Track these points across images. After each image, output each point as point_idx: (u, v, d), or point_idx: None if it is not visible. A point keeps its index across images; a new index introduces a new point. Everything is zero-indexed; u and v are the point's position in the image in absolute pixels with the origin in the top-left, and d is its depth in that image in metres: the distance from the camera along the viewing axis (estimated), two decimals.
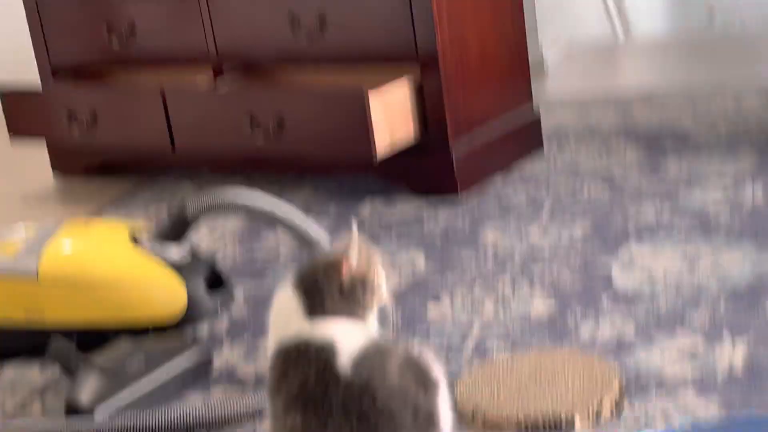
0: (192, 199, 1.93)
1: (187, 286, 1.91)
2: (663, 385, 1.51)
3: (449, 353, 1.70)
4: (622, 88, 3.14)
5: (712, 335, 1.63)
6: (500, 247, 2.09)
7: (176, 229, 1.95)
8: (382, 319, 1.48)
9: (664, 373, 1.55)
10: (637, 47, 3.76)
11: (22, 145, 3.18)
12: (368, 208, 2.41)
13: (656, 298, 1.78)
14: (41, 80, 2.97)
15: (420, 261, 2.08)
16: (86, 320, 1.88)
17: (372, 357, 1.34)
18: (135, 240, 1.96)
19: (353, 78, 2.54)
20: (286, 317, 1.39)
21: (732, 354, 1.57)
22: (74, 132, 2.75)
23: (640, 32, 3.95)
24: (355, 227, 1.46)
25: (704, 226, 2.04)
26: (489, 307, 1.84)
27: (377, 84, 2.39)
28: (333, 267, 1.38)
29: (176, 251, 1.96)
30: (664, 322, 1.69)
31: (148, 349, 1.73)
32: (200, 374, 1.75)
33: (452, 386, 1.53)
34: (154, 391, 1.69)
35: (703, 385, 1.50)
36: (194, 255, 1.98)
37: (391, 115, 2.33)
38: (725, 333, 1.63)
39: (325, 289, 1.38)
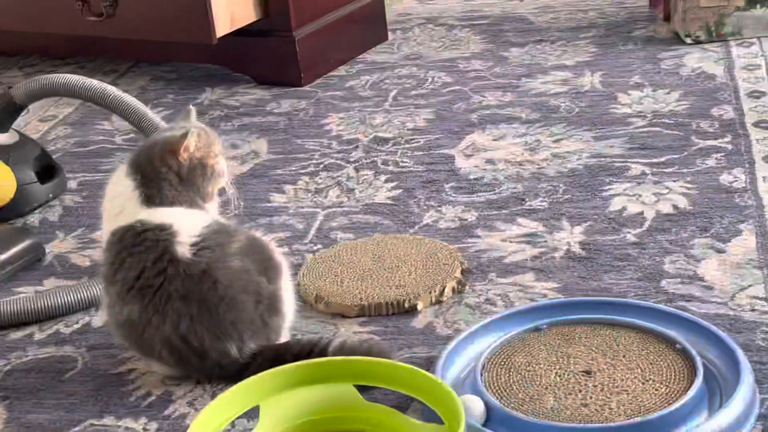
0: (19, 84, 1.83)
1: (16, 174, 1.82)
2: (504, 269, 1.54)
3: (292, 240, 1.67)
4: None
5: (551, 220, 1.66)
6: (344, 135, 2.07)
7: (3, 116, 1.85)
8: (224, 207, 1.44)
9: (504, 258, 1.57)
10: None
11: None
12: (208, 97, 2.34)
13: (498, 184, 1.79)
14: None
15: (263, 149, 2.04)
16: None
17: (212, 242, 1.30)
18: None
19: None
20: (121, 205, 1.33)
21: (570, 238, 1.60)
22: None
23: None
24: (192, 111, 1.41)
25: (544, 115, 2.06)
26: (333, 194, 1.82)
27: None
28: (169, 151, 1.33)
29: (3, 138, 1.87)
30: (505, 208, 1.71)
31: None
32: (32, 265, 1.68)
33: (295, 273, 1.52)
34: None
35: (542, 268, 1.53)
36: (23, 142, 1.89)
37: None
38: (564, 218, 1.66)
39: (162, 175, 1.32)
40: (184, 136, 1.32)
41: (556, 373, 1.27)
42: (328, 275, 1.53)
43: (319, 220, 1.74)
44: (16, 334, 1.49)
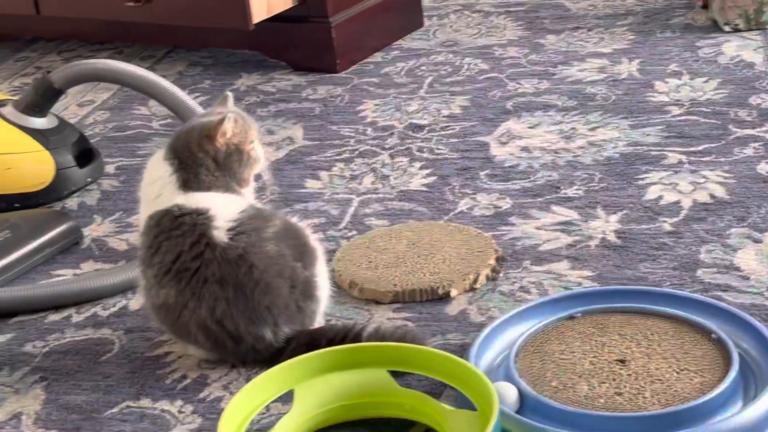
0: (59, 69, 1.85)
1: (54, 158, 1.84)
2: (538, 258, 1.53)
3: (327, 226, 1.68)
4: None
5: (587, 209, 1.65)
6: (380, 122, 2.07)
7: (42, 101, 1.87)
8: (260, 192, 1.45)
9: (539, 246, 1.56)
10: None
11: None
12: (244, 83, 2.35)
13: (533, 172, 1.79)
14: None
15: (298, 135, 2.04)
16: None
17: (248, 227, 1.31)
18: None
19: None
20: (158, 190, 1.34)
21: (605, 227, 1.60)
22: None
23: None
24: (230, 97, 1.41)
25: (581, 102, 2.05)
26: (367, 181, 1.83)
27: None
28: (206, 136, 1.34)
29: (43, 122, 1.89)
30: (540, 196, 1.71)
31: (13, 224, 1.66)
32: (70, 249, 1.70)
33: (330, 259, 1.52)
34: (21, 267, 1.63)
35: (577, 257, 1.53)
36: (62, 127, 1.91)
37: None
38: (599, 206, 1.66)
39: (199, 160, 1.33)
40: (221, 121, 1.33)
41: (590, 361, 1.26)
42: (363, 261, 1.54)
43: (353, 207, 1.74)
44: (55, 317, 1.51)
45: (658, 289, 1.40)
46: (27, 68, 2.58)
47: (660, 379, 1.22)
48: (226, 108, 1.39)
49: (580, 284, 1.46)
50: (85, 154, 1.90)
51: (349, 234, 1.65)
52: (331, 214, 1.72)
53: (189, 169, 1.33)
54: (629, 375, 1.23)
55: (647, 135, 1.88)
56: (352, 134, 2.02)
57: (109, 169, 1.97)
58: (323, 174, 1.87)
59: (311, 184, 1.83)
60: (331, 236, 1.65)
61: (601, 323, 1.33)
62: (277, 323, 1.31)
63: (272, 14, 2.28)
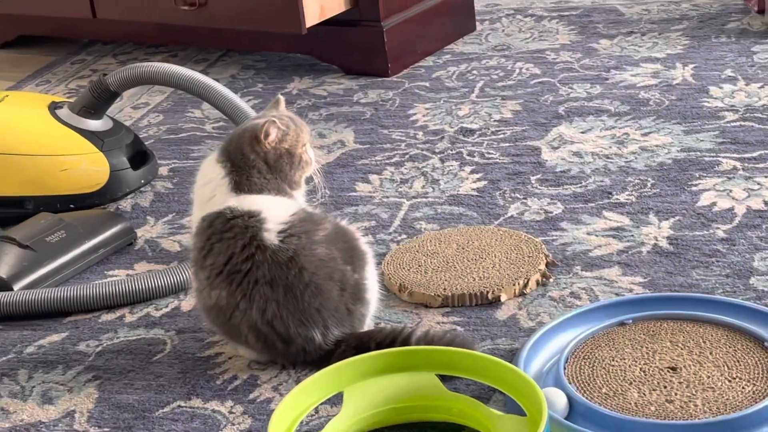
0: (115, 71, 1.87)
1: (109, 160, 1.87)
2: (589, 263, 1.53)
3: (377, 230, 1.69)
4: None
5: (639, 214, 1.64)
6: (430, 126, 2.07)
7: (98, 103, 1.90)
8: (311, 195, 1.46)
9: (590, 252, 1.56)
10: None
11: None
12: (297, 86, 2.36)
13: (584, 177, 1.78)
14: None
15: (349, 139, 2.05)
16: (4, 191, 1.83)
17: (299, 229, 1.32)
18: (54, 112, 1.90)
19: None
20: (211, 192, 1.36)
21: (657, 233, 1.58)
22: None
23: None
24: (281, 100, 1.42)
25: (633, 108, 2.04)
26: (418, 185, 1.83)
27: None
28: (257, 138, 1.35)
29: (98, 125, 1.91)
30: (592, 201, 1.70)
31: (69, 224, 1.69)
32: (123, 249, 1.72)
33: (380, 262, 1.53)
34: (76, 267, 1.66)
35: (629, 263, 1.51)
36: (117, 129, 1.93)
37: None
38: (651, 212, 1.64)
39: (250, 162, 1.34)
40: (266, 124, 1.34)
41: (641, 368, 1.25)
42: (412, 265, 1.54)
43: (403, 210, 1.75)
44: (108, 317, 1.53)
45: (710, 296, 1.39)
46: (83, 71, 2.62)
47: (712, 387, 1.21)
48: (278, 111, 1.40)
49: (631, 290, 1.45)
50: (139, 156, 1.93)
51: (399, 237, 1.66)
52: (381, 217, 1.73)
53: (241, 172, 1.35)
54: (680, 383, 1.22)
55: (701, 141, 1.86)
56: (403, 138, 2.03)
57: (163, 171, 1.99)
58: (374, 177, 1.88)
59: (362, 188, 1.84)
60: (381, 240, 1.66)
61: (653, 330, 1.32)
62: (326, 325, 1.31)
63: (325, 18, 2.29)
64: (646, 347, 1.29)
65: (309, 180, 1.43)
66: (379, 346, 1.28)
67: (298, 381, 1.32)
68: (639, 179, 1.75)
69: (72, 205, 1.83)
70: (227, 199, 1.34)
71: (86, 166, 1.84)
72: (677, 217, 1.62)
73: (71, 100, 1.97)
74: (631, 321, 1.34)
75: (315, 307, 1.31)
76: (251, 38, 2.49)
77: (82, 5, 2.51)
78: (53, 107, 1.91)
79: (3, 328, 1.53)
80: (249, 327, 1.32)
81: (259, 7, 2.26)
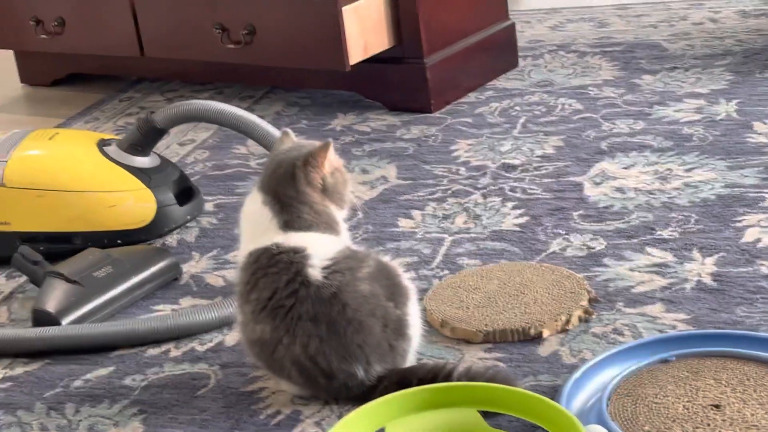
0: (162, 109, 1.91)
1: (156, 196, 1.90)
2: (632, 299, 1.52)
3: (419, 265, 1.69)
4: (599, 1, 3.11)
5: (682, 251, 1.64)
6: (472, 161, 2.08)
7: (145, 140, 1.93)
8: (354, 231, 1.47)
9: (633, 288, 1.55)
10: None
11: None
12: (340, 123, 2.39)
13: (627, 213, 1.78)
14: None
15: (392, 174, 2.07)
16: (53, 227, 1.87)
17: (343, 266, 1.33)
18: (103, 149, 1.94)
19: None
20: (258, 229, 1.37)
21: (701, 269, 1.58)
22: (41, 38, 2.69)
23: None
24: (290, 132, 1.44)
25: (677, 143, 2.03)
26: (460, 220, 1.84)
27: None
28: (317, 163, 1.36)
29: (145, 161, 1.94)
30: (635, 237, 1.70)
31: (116, 260, 1.72)
32: (169, 284, 1.74)
33: (422, 298, 1.54)
34: (122, 302, 1.68)
35: (672, 299, 1.51)
36: (163, 165, 1.96)
37: (365, 26, 2.29)
38: (695, 249, 1.64)
39: (303, 198, 1.36)
40: (324, 148, 1.35)
41: (684, 405, 1.25)
42: (454, 301, 1.55)
43: (445, 246, 1.75)
44: (154, 351, 1.55)
45: (754, 333, 1.38)
46: (131, 108, 2.67)
47: (756, 426, 1.20)
48: (294, 143, 1.42)
49: (674, 327, 1.44)
50: (185, 192, 1.95)
51: (441, 273, 1.66)
52: (423, 253, 1.74)
53: (291, 210, 1.35)
54: (724, 421, 1.21)
55: (745, 176, 1.86)
56: (445, 174, 2.04)
57: (208, 206, 2.02)
58: (416, 213, 1.89)
59: (404, 223, 1.85)
60: (423, 275, 1.66)
61: (696, 367, 1.32)
62: (369, 361, 1.32)
63: (368, 55, 2.32)
64: (690, 384, 1.28)
65: (352, 215, 1.44)
66: (421, 382, 1.28)
67: (340, 416, 1.32)
68: (682, 215, 1.75)
69: (119, 241, 1.86)
70: (274, 235, 1.35)
71: (133, 203, 1.87)
72: (721, 254, 1.61)
73: (119, 137, 2.01)
74: (674, 358, 1.34)
75: (357, 343, 1.32)
76: (296, 75, 2.52)
77: (131, 44, 2.56)
78: (102, 144, 1.94)
79: (51, 362, 1.55)
80: (292, 362, 1.33)
81: (303, 45, 2.30)
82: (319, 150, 1.36)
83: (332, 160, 1.38)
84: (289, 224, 1.35)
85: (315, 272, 1.32)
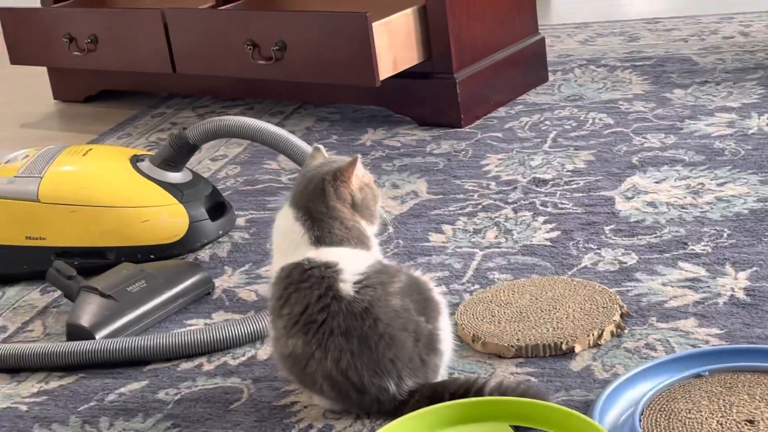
0: (194, 125, 1.92)
1: (188, 211, 1.91)
2: (664, 314, 1.52)
3: (450, 280, 1.70)
4: (629, 15, 3.11)
5: (715, 265, 1.63)
6: (503, 176, 2.08)
7: (178, 155, 1.95)
8: (384, 245, 1.48)
9: (665, 303, 1.55)
10: None
11: (26, 75, 3.16)
12: (370, 138, 2.39)
13: (659, 228, 1.77)
14: (41, 4, 2.94)
15: (422, 189, 2.07)
16: (87, 242, 1.88)
17: (374, 281, 1.34)
18: (136, 165, 1.96)
19: (357, 4, 2.51)
20: (290, 245, 1.38)
21: (734, 284, 1.57)
22: (74, 55, 2.72)
23: None
24: (322, 148, 1.45)
25: (709, 157, 2.03)
26: (491, 235, 1.84)
27: (382, 9, 2.37)
28: (345, 179, 1.37)
29: (178, 177, 1.96)
30: (667, 252, 1.69)
31: (149, 274, 1.73)
32: (201, 299, 1.75)
33: (453, 312, 1.54)
34: (156, 316, 1.69)
35: (705, 314, 1.50)
36: (195, 181, 1.98)
37: (395, 41, 2.30)
38: (728, 263, 1.63)
39: (333, 214, 1.36)
40: (352, 164, 1.36)
41: (718, 421, 1.24)
42: (486, 315, 1.55)
43: (476, 261, 1.75)
44: (187, 365, 1.56)
45: None
46: (163, 124, 2.69)
47: None
48: (325, 159, 1.43)
49: (707, 342, 1.44)
50: (218, 208, 1.97)
51: (472, 288, 1.67)
52: (454, 267, 1.74)
53: (323, 226, 1.36)
54: None
55: None
56: (476, 188, 2.04)
57: (240, 221, 2.03)
58: (447, 228, 1.89)
59: (435, 238, 1.86)
60: (454, 290, 1.66)
61: (730, 383, 1.31)
62: (400, 376, 1.32)
63: (398, 71, 2.33)
64: (723, 400, 1.28)
65: (383, 230, 1.45)
66: (452, 397, 1.28)
67: (372, 431, 1.33)
68: (715, 229, 1.74)
69: (152, 256, 1.88)
70: (306, 251, 1.36)
71: (166, 218, 1.89)
72: (754, 268, 1.60)
73: (152, 152, 2.03)
74: (707, 373, 1.33)
75: (389, 357, 1.32)
76: (326, 91, 2.54)
77: (163, 61, 2.59)
78: (135, 160, 1.96)
79: (85, 376, 1.57)
80: (324, 376, 1.34)
81: (334, 60, 2.31)
82: (348, 165, 1.37)
83: (360, 175, 1.38)
84: (320, 240, 1.36)
85: (346, 287, 1.33)
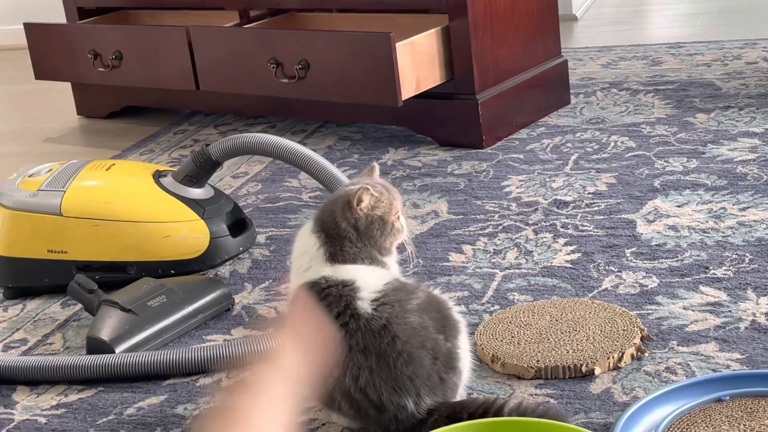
0: (216, 142, 1.93)
1: (210, 227, 1.91)
2: (685, 338, 1.51)
3: (470, 300, 1.69)
4: (652, 40, 3.11)
5: (736, 290, 1.62)
6: (524, 197, 2.08)
7: (200, 172, 1.95)
8: (404, 264, 1.48)
9: (686, 327, 1.54)
10: None
11: (50, 90, 3.19)
12: (391, 157, 2.40)
13: (680, 251, 1.77)
14: (67, 21, 2.97)
15: (443, 209, 2.07)
16: (109, 257, 1.89)
17: (392, 298, 1.34)
18: (158, 180, 1.97)
19: (381, 24, 2.52)
20: (307, 262, 1.38)
21: (755, 309, 1.56)
22: (99, 72, 2.74)
23: None
24: (376, 168, 1.45)
25: (731, 182, 2.02)
26: (511, 256, 1.83)
27: (405, 29, 2.38)
28: (350, 203, 1.37)
29: (199, 193, 1.97)
30: (688, 275, 1.68)
31: (169, 289, 1.73)
32: (221, 315, 1.76)
33: (472, 332, 1.53)
34: (175, 331, 1.70)
35: (726, 338, 1.49)
36: (217, 197, 1.99)
37: (418, 62, 2.31)
38: (749, 288, 1.62)
39: (342, 232, 1.37)
40: (359, 191, 1.37)
41: None
42: (505, 336, 1.54)
43: (496, 281, 1.75)
44: (206, 380, 1.56)
45: None
46: (185, 140, 2.70)
47: None
48: (371, 178, 1.43)
49: (728, 367, 1.43)
50: (238, 224, 1.97)
51: (492, 308, 1.66)
52: (474, 288, 1.74)
53: (335, 242, 1.37)
54: None
55: None
56: (496, 209, 2.04)
57: (260, 238, 2.04)
58: (467, 248, 1.89)
59: (455, 258, 1.85)
60: (474, 310, 1.66)
61: (751, 408, 1.30)
62: (419, 394, 1.32)
63: (420, 91, 2.33)
64: (744, 425, 1.27)
65: (402, 249, 1.45)
66: (471, 416, 1.28)
67: None
68: (737, 254, 1.73)
69: (173, 271, 1.88)
70: (322, 268, 1.37)
71: (187, 233, 1.89)
72: None
73: (175, 168, 2.04)
74: (728, 398, 1.32)
75: (407, 375, 1.32)
76: (348, 110, 2.54)
77: (187, 78, 2.60)
78: (157, 176, 1.97)
79: (104, 390, 1.57)
80: (342, 394, 1.34)
81: (356, 80, 2.32)
82: (356, 191, 1.37)
83: (371, 205, 1.37)
84: (334, 256, 1.36)
85: (364, 305, 1.33)
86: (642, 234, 1.85)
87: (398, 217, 1.41)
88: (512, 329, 1.56)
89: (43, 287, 1.90)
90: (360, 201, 1.36)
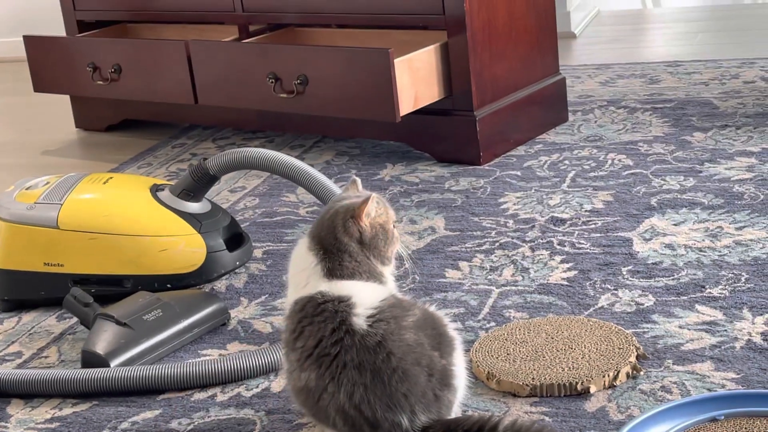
0: (214, 156, 1.93)
1: (206, 241, 1.91)
2: (680, 357, 1.51)
3: (466, 317, 1.69)
4: (650, 58, 3.11)
5: (732, 309, 1.62)
6: (521, 214, 2.08)
7: (198, 186, 1.96)
8: (401, 281, 1.48)
9: (682, 345, 1.54)
10: (665, 17, 3.72)
11: (49, 102, 3.19)
12: (389, 173, 2.40)
13: (676, 270, 1.77)
14: (66, 34, 2.98)
15: (440, 225, 2.07)
16: (105, 270, 1.89)
17: (388, 315, 1.34)
18: (156, 194, 1.97)
19: (380, 40, 2.53)
20: (304, 278, 1.38)
21: (751, 328, 1.56)
22: (98, 85, 2.75)
23: (669, 2, 3.90)
24: (358, 181, 1.45)
25: (728, 201, 2.02)
26: (507, 273, 1.83)
27: (404, 46, 2.38)
28: (352, 217, 1.37)
29: (197, 207, 1.97)
30: (684, 294, 1.68)
31: (165, 303, 1.73)
32: (217, 329, 1.75)
33: (468, 349, 1.53)
34: (171, 345, 1.69)
35: (721, 358, 1.49)
36: (214, 211, 1.99)
37: (416, 78, 2.31)
38: (745, 308, 1.62)
39: (342, 246, 1.37)
40: (366, 202, 1.37)
41: None
42: (501, 353, 1.54)
43: (492, 298, 1.75)
44: (201, 395, 1.56)
45: None
46: (183, 154, 2.70)
47: None
48: (358, 191, 1.43)
49: (723, 386, 1.43)
50: (235, 239, 1.97)
51: (488, 325, 1.66)
52: (470, 304, 1.74)
53: (333, 258, 1.37)
54: None
55: None
56: (493, 226, 2.04)
57: (257, 253, 2.04)
58: (463, 264, 1.89)
59: (451, 274, 1.85)
60: (470, 326, 1.66)
61: (745, 427, 1.30)
62: (414, 411, 1.32)
63: (419, 107, 2.34)
64: None
65: (399, 264, 1.45)
66: None
67: None
68: (733, 273, 1.73)
69: (169, 285, 1.88)
70: (319, 284, 1.36)
71: (184, 247, 1.89)
72: None
73: (172, 182, 2.04)
74: (723, 417, 1.32)
75: (402, 392, 1.31)
76: (346, 125, 2.55)
77: (185, 92, 2.61)
78: (155, 189, 1.97)
79: (99, 404, 1.57)
80: (336, 410, 1.33)
81: (354, 95, 2.32)
82: (361, 203, 1.37)
83: (374, 215, 1.38)
84: (332, 272, 1.36)
85: (360, 321, 1.33)
86: (638, 252, 1.85)
87: (394, 225, 1.42)
88: (508, 346, 1.56)
89: (39, 300, 1.90)
90: (363, 213, 1.37)
